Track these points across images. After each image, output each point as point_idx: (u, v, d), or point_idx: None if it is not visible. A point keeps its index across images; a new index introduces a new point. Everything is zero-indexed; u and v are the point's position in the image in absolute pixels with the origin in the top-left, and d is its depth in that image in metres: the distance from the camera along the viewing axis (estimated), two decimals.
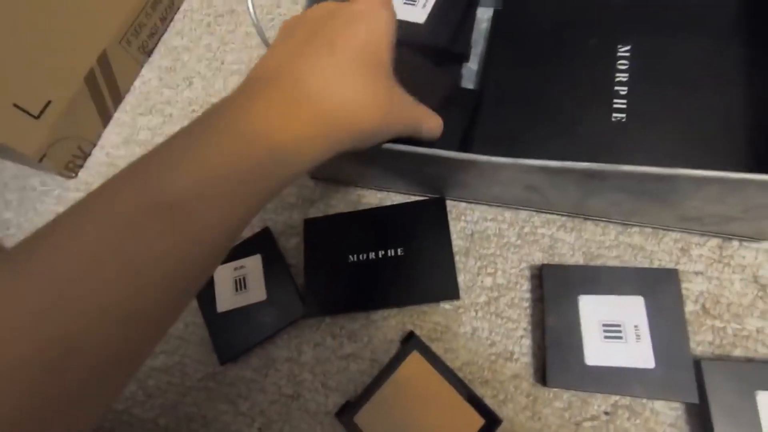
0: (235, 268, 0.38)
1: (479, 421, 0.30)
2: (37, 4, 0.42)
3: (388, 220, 0.37)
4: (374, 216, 0.38)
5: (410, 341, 0.33)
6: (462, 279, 0.35)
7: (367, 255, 0.36)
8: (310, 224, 0.38)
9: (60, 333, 0.15)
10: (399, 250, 0.36)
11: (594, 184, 0.29)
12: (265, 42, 0.36)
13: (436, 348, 0.33)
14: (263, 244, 0.39)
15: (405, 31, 0.38)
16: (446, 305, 0.35)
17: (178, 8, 0.55)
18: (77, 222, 0.17)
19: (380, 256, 0.36)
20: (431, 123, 0.30)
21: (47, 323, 0.15)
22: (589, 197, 0.31)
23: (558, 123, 0.35)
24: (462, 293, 0.35)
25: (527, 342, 0.33)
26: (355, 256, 0.36)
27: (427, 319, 0.35)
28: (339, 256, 0.36)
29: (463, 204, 0.37)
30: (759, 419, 0.26)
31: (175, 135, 0.20)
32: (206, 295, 0.37)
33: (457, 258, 0.36)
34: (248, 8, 0.31)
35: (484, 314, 0.34)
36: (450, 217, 0.37)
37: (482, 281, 0.35)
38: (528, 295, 0.34)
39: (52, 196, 0.48)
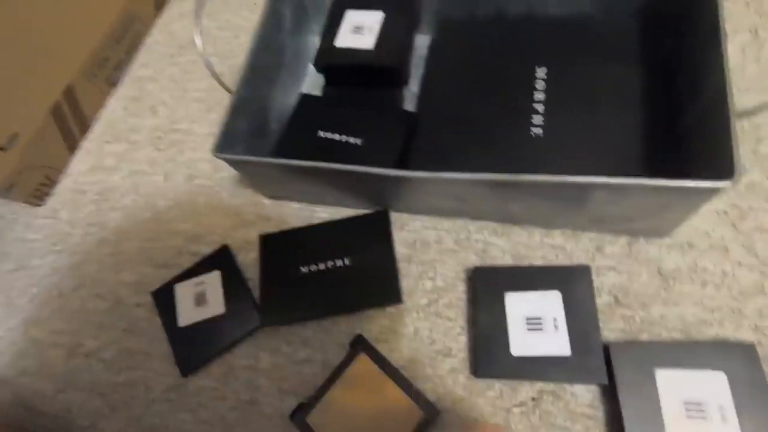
0: (196, 284, 0.40)
1: (419, 414, 0.33)
2: (2, 38, 0.44)
3: (336, 233, 0.40)
4: (324, 230, 0.41)
5: (358, 344, 0.36)
6: (405, 284, 0.38)
7: (317, 266, 0.39)
8: (265, 239, 0.41)
9: None
10: (346, 260, 0.39)
11: (510, 192, 0.33)
12: (213, 75, 0.39)
13: (383, 348, 0.36)
14: (222, 260, 0.41)
15: (355, 55, 0.42)
16: (391, 309, 0.38)
17: (143, 41, 0.59)
18: None
19: (329, 266, 0.39)
20: None
21: None
22: (509, 203, 0.35)
23: (485, 139, 0.39)
24: (405, 297, 0.38)
25: (464, 339, 0.36)
26: (306, 267, 0.39)
27: (375, 323, 0.38)
28: (292, 268, 0.39)
29: (406, 215, 0.41)
30: (658, 393, 0.29)
31: None
32: (168, 310, 0.40)
33: (401, 264, 0.39)
34: (196, 44, 0.35)
35: (425, 315, 0.37)
36: (394, 227, 0.40)
37: (423, 285, 0.38)
38: (464, 296, 0.37)
39: (20, 224, 0.50)
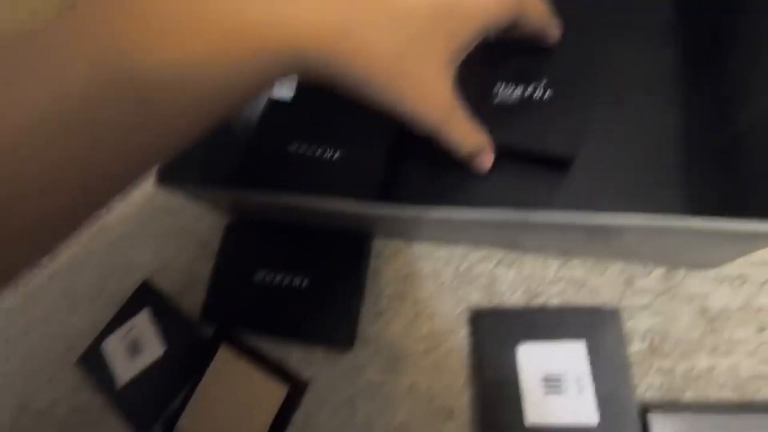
0: (125, 333, 0.35)
1: (284, 389, 0.31)
2: None
3: (306, 245, 0.34)
4: (295, 236, 0.35)
5: (217, 335, 0.33)
6: (396, 327, 0.32)
7: (273, 276, 0.34)
8: (230, 228, 0.37)
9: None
10: (305, 281, 0.33)
11: (520, 230, 0.26)
12: None
13: (372, 408, 0.31)
14: (147, 296, 0.36)
15: None
16: (379, 357, 0.32)
17: None
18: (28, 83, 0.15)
19: (285, 281, 0.33)
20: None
21: None
22: (518, 236, 0.28)
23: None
24: (398, 343, 0.32)
25: (468, 396, 0.30)
26: (262, 273, 0.34)
27: (362, 375, 0.32)
28: (247, 270, 0.34)
29: (396, 242, 0.35)
30: None
31: None
32: (101, 373, 0.35)
33: (392, 304, 0.33)
34: None
35: (422, 366, 0.31)
36: (383, 257, 0.34)
37: (419, 329, 0.32)
38: (467, 341, 0.31)
39: None
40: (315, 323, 0.32)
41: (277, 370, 0.32)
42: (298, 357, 0.33)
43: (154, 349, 0.34)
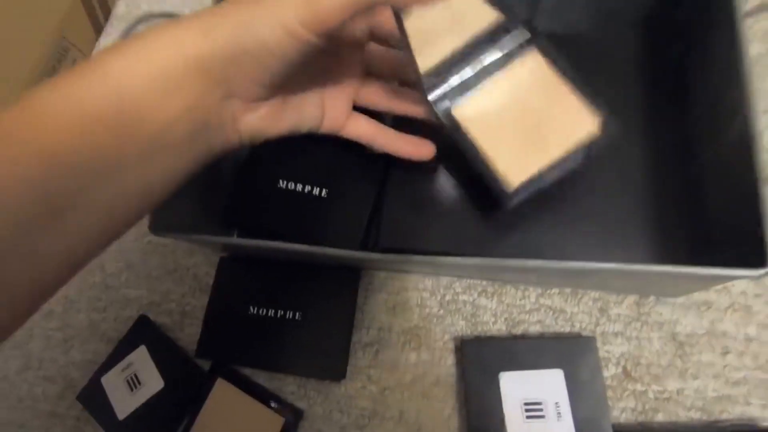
0: (123, 369, 0.36)
1: (280, 419, 0.32)
2: None
3: (298, 279, 0.36)
4: (287, 272, 0.36)
5: (214, 370, 0.34)
6: (386, 357, 0.34)
7: (266, 311, 0.35)
8: (223, 264, 0.38)
9: None
10: (297, 315, 0.34)
11: (496, 270, 0.28)
12: None
13: None
14: (144, 332, 0.37)
15: None
16: (371, 387, 0.33)
17: None
18: None
19: (278, 315, 0.35)
20: None
21: None
22: (497, 274, 0.30)
23: (462, 198, 0.33)
24: (388, 373, 0.33)
25: (454, 422, 0.31)
26: (255, 308, 0.35)
27: (353, 404, 0.33)
28: (241, 305, 0.36)
29: (383, 274, 0.36)
30: None
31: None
32: (102, 408, 0.35)
33: (381, 334, 0.34)
34: None
35: (411, 395, 0.33)
36: (370, 289, 0.36)
37: (407, 358, 0.34)
38: (453, 370, 0.33)
39: None
40: (308, 356, 0.34)
41: (273, 401, 0.33)
42: (292, 388, 0.34)
43: (153, 382, 0.35)
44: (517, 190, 0.25)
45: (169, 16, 0.50)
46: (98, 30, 0.53)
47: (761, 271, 0.21)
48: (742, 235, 0.22)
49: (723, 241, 0.25)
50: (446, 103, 0.26)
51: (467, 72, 0.26)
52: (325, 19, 0.18)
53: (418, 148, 0.28)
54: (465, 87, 0.26)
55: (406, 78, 0.28)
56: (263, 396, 0.33)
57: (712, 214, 0.26)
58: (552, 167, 0.25)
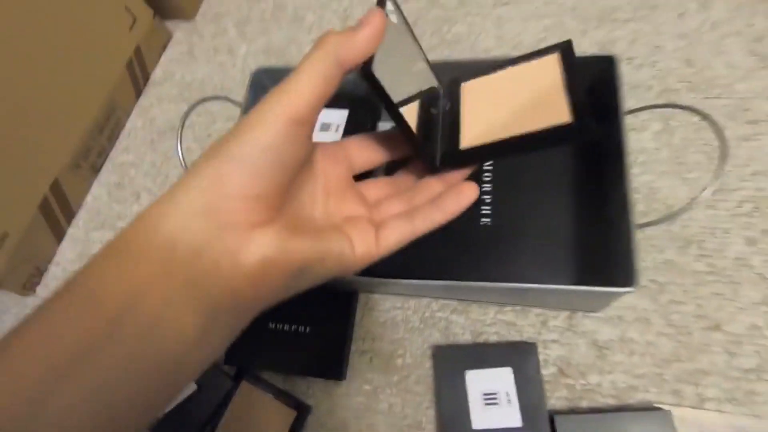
0: None
1: (293, 412, 0.41)
2: None
3: (306, 302, 0.44)
4: (300, 295, 0.45)
5: (239, 375, 0.42)
6: (378, 362, 0.43)
7: (283, 326, 0.44)
8: None
9: None
10: (307, 328, 0.43)
11: (460, 290, 0.38)
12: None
13: (359, 425, 0.40)
14: None
15: None
16: (366, 386, 0.42)
17: (123, 126, 0.62)
18: None
19: (292, 329, 0.44)
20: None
21: None
22: (462, 294, 0.40)
23: (443, 229, 0.44)
24: (380, 375, 0.42)
25: (432, 412, 0.40)
26: (274, 324, 0.44)
27: (352, 400, 0.42)
28: (262, 321, 0.44)
29: (377, 295, 0.46)
30: None
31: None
32: None
33: (375, 344, 0.44)
34: (178, 152, 0.39)
35: (397, 391, 0.42)
36: (366, 307, 0.45)
37: (395, 363, 0.43)
38: (431, 371, 0.42)
39: (11, 314, 0.53)
40: (315, 361, 0.42)
41: (287, 398, 0.41)
42: (302, 387, 0.43)
43: (187, 385, 0.43)
44: (467, 152, 0.25)
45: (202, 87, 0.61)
46: (138, 92, 0.64)
47: (631, 289, 0.31)
48: (623, 263, 0.33)
49: (615, 268, 0.35)
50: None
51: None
52: (307, 116, 0.19)
53: (461, 199, 0.26)
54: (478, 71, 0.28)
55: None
56: (279, 394, 0.42)
57: (611, 249, 0.37)
58: (510, 142, 0.24)
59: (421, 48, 0.28)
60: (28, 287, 0.52)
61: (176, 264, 0.17)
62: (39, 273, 0.53)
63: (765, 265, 0.40)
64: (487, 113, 0.27)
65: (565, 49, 0.27)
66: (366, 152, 0.27)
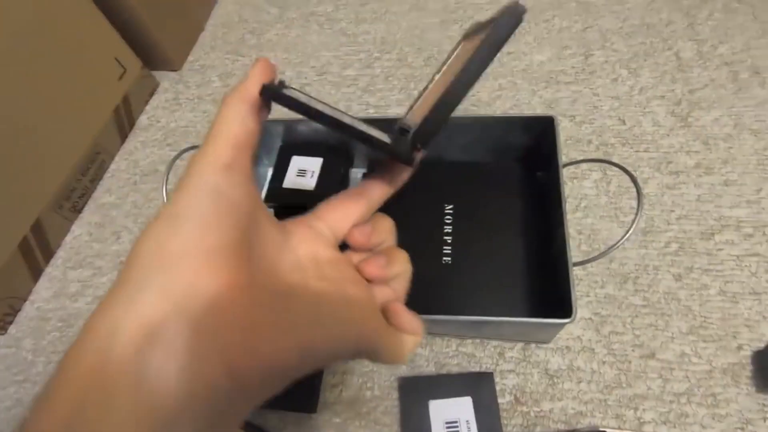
0: None
1: None
2: None
3: None
4: None
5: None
6: (347, 395, 0.45)
7: None
8: None
9: None
10: None
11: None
12: None
13: None
14: None
15: (299, 195, 0.51)
16: (336, 419, 0.44)
17: (107, 169, 0.65)
18: None
19: None
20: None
21: None
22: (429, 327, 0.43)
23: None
24: (348, 407, 0.44)
25: None
26: None
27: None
28: None
29: None
30: None
31: None
32: None
33: (344, 377, 0.46)
34: (163, 194, 0.42)
35: (366, 422, 0.44)
36: None
37: (364, 395, 0.45)
38: (397, 402, 0.44)
39: None
40: (287, 394, 0.44)
41: None
42: (275, 420, 0.44)
43: None
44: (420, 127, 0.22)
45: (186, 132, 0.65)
46: (123, 137, 0.67)
47: (568, 320, 0.35)
48: (564, 297, 0.37)
49: (557, 301, 0.40)
50: None
51: None
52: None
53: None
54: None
55: None
56: (252, 428, 0.43)
57: (554, 285, 0.42)
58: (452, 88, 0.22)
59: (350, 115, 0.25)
60: (0, 326, 0.53)
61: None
62: (13, 312, 0.54)
63: (691, 298, 0.45)
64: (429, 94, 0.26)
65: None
66: (338, 209, 0.26)
